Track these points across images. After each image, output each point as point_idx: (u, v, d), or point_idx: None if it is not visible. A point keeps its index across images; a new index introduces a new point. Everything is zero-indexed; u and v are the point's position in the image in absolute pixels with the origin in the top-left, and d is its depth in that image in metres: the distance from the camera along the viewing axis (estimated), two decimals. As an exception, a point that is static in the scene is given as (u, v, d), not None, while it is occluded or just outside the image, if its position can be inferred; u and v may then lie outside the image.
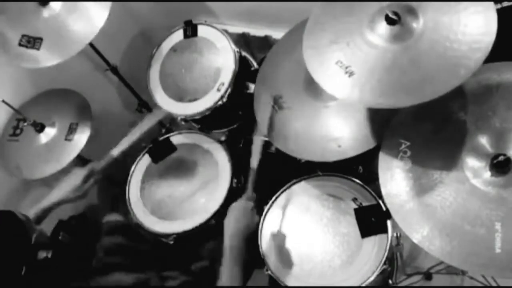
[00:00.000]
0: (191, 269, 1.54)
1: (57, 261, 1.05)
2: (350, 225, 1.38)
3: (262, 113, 1.51)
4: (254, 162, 1.44)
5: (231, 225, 1.31)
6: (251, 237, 1.34)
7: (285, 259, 1.39)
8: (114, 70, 1.90)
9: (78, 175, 1.46)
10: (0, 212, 1.01)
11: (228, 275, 1.22)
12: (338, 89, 1.15)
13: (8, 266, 0.95)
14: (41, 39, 1.56)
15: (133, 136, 1.55)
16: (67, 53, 1.53)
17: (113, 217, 1.74)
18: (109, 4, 1.54)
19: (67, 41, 1.55)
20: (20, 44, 1.56)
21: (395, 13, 1.13)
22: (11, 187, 1.78)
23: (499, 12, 1.04)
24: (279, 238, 1.43)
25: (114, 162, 1.53)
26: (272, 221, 1.47)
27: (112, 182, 2.06)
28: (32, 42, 1.55)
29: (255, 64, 1.79)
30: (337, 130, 1.35)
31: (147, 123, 1.58)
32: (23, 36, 1.57)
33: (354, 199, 1.41)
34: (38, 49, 1.55)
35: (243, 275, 1.24)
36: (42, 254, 1.01)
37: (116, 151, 1.54)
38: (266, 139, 1.47)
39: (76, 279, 1.13)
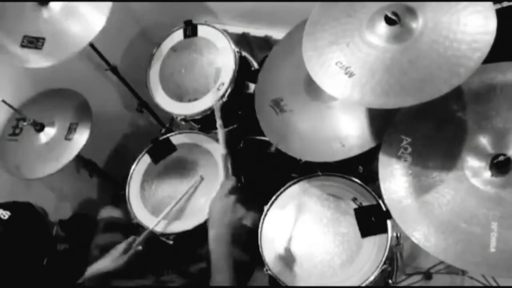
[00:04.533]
0: (189, 271, 1.54)
1: (73, 252, 1.09)
2: (350, 225, 1.38)
3: (264, 116, 1.51)
4: (221, 148, 1.34)
5: (212, 228, 1.20)
6: (239, 232, 1.27)
7: (285, 259, 1.39)
8: (114, 70, 1.90)
9: (118, 249, 1.48)
10: (19, 204, 1.02)
11: (217, 279, 1.17)
12: (338, 90, 1.15)
13: (30, 257, 0.96)
14: (43, 38, 1.55)
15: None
16: (68, 52, 1.52)
17: (108, 213, 1.73)
18: (109, 4, 1.54)
19: (67, 40, 1.54)
20: (22, 45, 1.55)
21: (395, 14, 1.13)
22: (11, 187, 1.78)
23: (499, 12, 1.04)
24: (279, 238, 1.44)
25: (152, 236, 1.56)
26: (272, 221, 1.47)
27: (112, 182, 2.07)
28: (35, 42, 1.54)
29: (255, 64, 1.79)
30: (340, 130, 1.35)
31: None
32: (24, 37, 1.56)
33: (354, 199, 1.41)
34: (40, 48, 1.54)
35: (233, 276, 1.17)
36: (61, 246, 1.04)
37: (158, 228, 1.56)
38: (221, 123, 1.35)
39: (73, 279, 1.13)
